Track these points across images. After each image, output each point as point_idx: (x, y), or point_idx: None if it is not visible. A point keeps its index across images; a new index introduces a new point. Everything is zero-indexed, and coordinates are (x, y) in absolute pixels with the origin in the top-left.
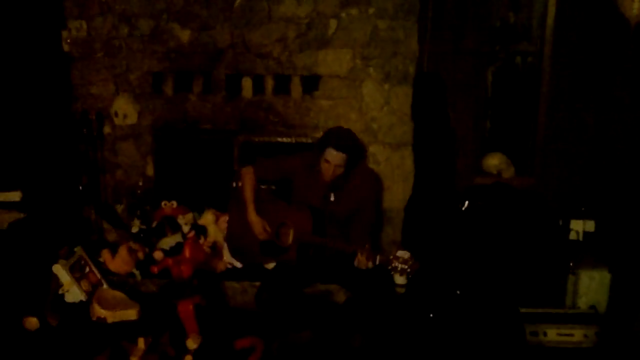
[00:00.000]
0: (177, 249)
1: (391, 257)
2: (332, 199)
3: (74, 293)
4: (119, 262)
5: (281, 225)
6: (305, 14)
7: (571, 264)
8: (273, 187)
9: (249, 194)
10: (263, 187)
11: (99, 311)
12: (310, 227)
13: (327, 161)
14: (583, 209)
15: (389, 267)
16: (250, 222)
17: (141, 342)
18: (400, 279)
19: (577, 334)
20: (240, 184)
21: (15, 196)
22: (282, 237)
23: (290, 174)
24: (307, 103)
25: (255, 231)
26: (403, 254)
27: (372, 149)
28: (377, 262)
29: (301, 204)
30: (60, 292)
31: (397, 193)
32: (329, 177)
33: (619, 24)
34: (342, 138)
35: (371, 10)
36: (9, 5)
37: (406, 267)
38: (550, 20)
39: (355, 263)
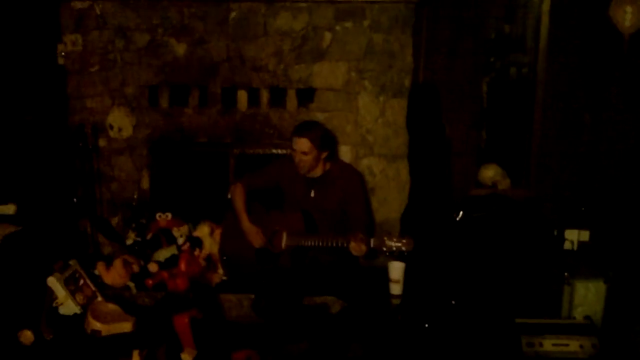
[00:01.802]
0: (172, 261)
1: (385, 237)
2: (312, 195)
3: (68, 306)
4: (114, 274)
5: (274, 232)
6: (300, 27)
7: (566, 275)
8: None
9: (240, 205)
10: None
11: (94, 324)
12: (302, 229)
13: (294, 150)
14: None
15: (384, 249)
16: (244, 230)
17: (136, 355)
18: (396, 289)
19: (573, 345)
20: (231, 198)
21: (10, 209)
22: (275, 243)
23: (277, 179)
24: (302, 115)
25: (250, 238)
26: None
27: (367, 161)
28: (372, 245)
29: (293, 210)
30: (54, 305)
31: (393, 204)
32: (301, 168)
33: (613, 35)
34: (300, 125)
35: (366, 23)
36: (4, 18)
37: (400, 245)
38: (544, 31)
39: (351, 249)
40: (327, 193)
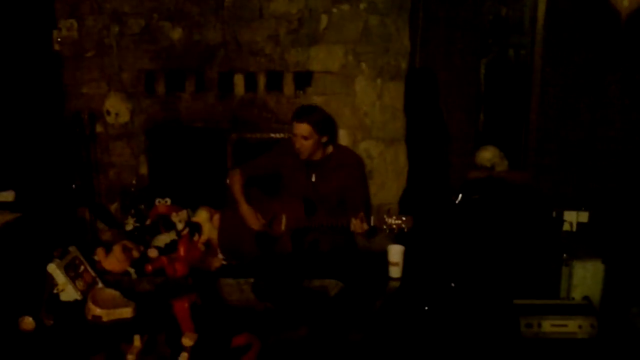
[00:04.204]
0: (171, 247)
1: (385, 215)
2: (313, 179)
3: (69, 292)
4: (114, 260)
5: (274, 216)
6: (296, 10)
7: (565, 256)
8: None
9: (237, 189)
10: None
11: (94, 310)
12: (302, 213)
13: (294, 135)
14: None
15: (384, 226)
16: (242, 214)
17: (137, 340)
18: (395, 272)
19: (572, 325)
20: (229, 184)
21: (8, 196)
22: (275, 227)
23: (277, 165)
24: (300, 99)
25: (249, 222)
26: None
27: (365, 144)
28: (372, 223)
29: (292, 194)
30: (55, 291)
31: (391, 188)
32: (302, 153)
33: (610, 15)
34: (300, 110)
35: (362, 6)
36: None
37: (400, 222)
38: (541, 12)
39: (351, 228)
40: (327, 177)
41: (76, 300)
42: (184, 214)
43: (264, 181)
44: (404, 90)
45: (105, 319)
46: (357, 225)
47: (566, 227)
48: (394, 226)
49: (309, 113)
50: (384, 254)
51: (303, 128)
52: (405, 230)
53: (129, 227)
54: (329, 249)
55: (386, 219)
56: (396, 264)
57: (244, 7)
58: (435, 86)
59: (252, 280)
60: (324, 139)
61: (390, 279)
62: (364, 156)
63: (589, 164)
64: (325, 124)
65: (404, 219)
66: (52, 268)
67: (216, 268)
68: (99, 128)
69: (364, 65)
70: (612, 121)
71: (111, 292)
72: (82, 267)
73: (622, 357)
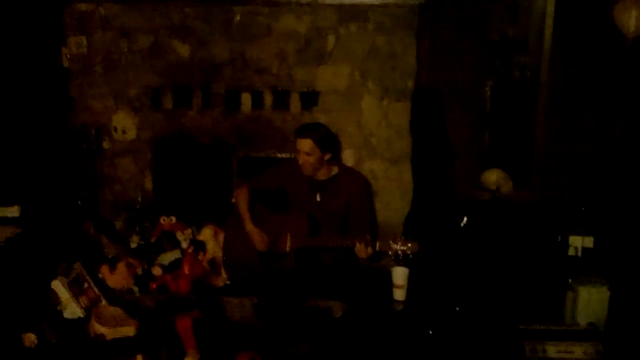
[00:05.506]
0: (176, 265)
1: (390, 241)
2: (318, 199)
3: (72, 309)
4: (118, 277)
5: (278, 234)
6: (304, 29)
7: (570, 280)
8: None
9: (243, 207)
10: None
11: (97, 327)
12: (307, 231)
13: (297, 152)
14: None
15: (390, 253)
16: (248, 232)
17: (139, 359)
18: (399, 294)
19: (577, 351)
20: (235, 201)
21: (13, 211)
22: (280, 245)
23: (282, 182)
24: (305, 118)
25: (254, 241)
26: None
27: (370, 164)
28: (377, 248)
29: (297, 212)
30: (58, 308)
31: (395, 208)
32: (305, 169)
33: (616, 38)
34: (303, 126)
35: (370, 26)
36: (8, 21)
37: (406, 248)
38: (548, 34)
39: (356, 251)
40: (332, 197)
41: (79, 318)
42: (188, 231)
43: (270, 197)
44: (409, 109)
45: (108, 336)
46: (361, 249)
47: (571, 251)
48: (400, 252)
49: (311, 129)
50: (388, 272)
51: (305, 144)
52: (411, 256)
53: (134, 245)
54: (332, 265)
55: (392, 245)
56: (400, 287)
57: (252, 25)
58: (440, 106)
59: (255, 298)
60: (327, 156)
61: (394, 301)
62: (369, 176)
63: (595, 187)
64: (327, 141)
65: (409, 245)
66: (56, 284)
67: (220, 287)
68: (105, 143)
69: (370, 84)
70: (618, 144)
71: (114, 310)
72: (85, 284)
73: None
